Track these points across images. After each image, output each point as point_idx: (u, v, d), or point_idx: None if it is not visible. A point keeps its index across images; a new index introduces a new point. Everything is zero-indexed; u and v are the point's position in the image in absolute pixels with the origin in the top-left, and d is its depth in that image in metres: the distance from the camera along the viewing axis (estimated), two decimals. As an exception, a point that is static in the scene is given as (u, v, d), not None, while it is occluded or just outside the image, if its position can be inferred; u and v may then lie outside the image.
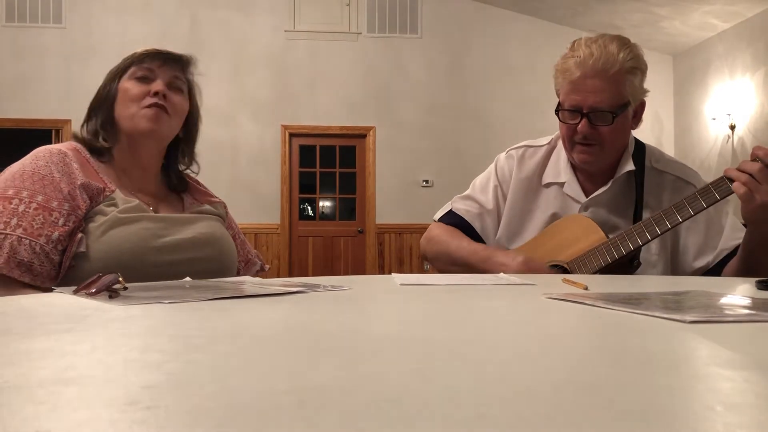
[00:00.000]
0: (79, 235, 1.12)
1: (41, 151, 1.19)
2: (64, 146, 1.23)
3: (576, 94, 1.36)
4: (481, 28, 7.85)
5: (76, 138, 1.29)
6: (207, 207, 1.38)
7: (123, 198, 1.20)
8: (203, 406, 0.30)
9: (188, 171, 1.44)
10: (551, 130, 1.52)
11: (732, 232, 1.39)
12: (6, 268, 1.06)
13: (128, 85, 1.27)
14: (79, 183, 1.16)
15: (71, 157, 1.20)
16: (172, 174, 1.38)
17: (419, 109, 7.76)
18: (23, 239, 1.08)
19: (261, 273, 1.46)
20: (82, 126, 1.31)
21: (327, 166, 7.86)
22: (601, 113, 1.35)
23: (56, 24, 7.37)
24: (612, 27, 7.23)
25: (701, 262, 1.41)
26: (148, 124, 1.26)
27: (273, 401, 0.31)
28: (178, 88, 1.31)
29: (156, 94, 1.26)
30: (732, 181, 1.18)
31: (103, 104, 1.29)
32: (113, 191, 1.20)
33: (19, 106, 7.16)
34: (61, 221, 1.12)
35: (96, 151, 1.26)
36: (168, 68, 1.30)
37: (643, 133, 5.65)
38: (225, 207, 1.44)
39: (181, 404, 0.31)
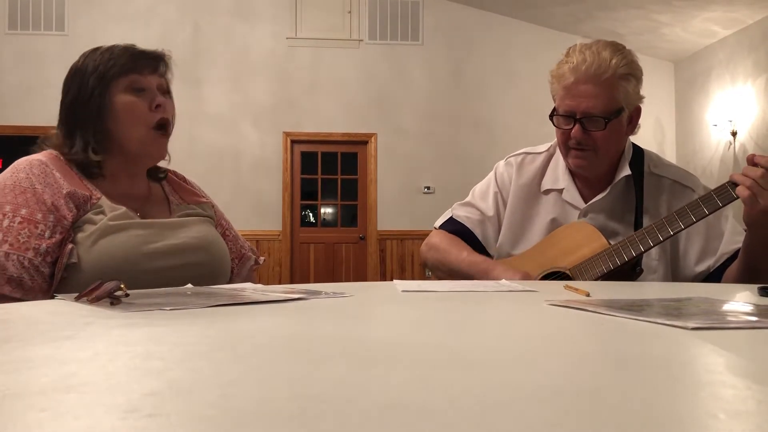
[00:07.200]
0: (69, 245, 1.10)
1: (21, 163, 1.17)
2: (44, 156, 1.20)
3: (569, 100, 1.36)
4: (482, 35, 7.87)
5: (57, 149, 1.23)
6: (195, 209, 1.35)
7: (110, 205, 1.18)
8: (204, 413, 0.30)
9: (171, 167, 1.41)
10: (552, 136, 1.52)
11: (732, 236, 1.39)
12: None
13: (127, 100, 1.22)
14: (64, 192, 1.13)
15: (51, 166, 1.17)
16: (151, 168, 1.36)
17: (421, 115, 7.77)
18: (10, 254, 1.06)
19: (256, 267, 1.44)
20: (59, 130, 1.25)
21: (328, 172, 7.86)
22: (594, 119, 1.35)
23: (59, 31, 7.39)
24: (613, 34, 7.24)
25: (702, 267, 1.40)
26: (161, 153, 1.27)
27: (274, 408, 0.31)
28: (167, 91, 1.29)
29: (158, 107, 1.23)
30: (736, 184, 1.18)
31: (90, 116, 1.22)
32: (99, 198, 1.18)
33: (21, 113, 7.16)
34: (47, 233, 1.09)
35: (84, 167, 1.22)
36: (157, 73, 1.27)
37: (644, 139, 5.63)
38: (213, 206, 1.41)
39: (183, 412, 0.31)
